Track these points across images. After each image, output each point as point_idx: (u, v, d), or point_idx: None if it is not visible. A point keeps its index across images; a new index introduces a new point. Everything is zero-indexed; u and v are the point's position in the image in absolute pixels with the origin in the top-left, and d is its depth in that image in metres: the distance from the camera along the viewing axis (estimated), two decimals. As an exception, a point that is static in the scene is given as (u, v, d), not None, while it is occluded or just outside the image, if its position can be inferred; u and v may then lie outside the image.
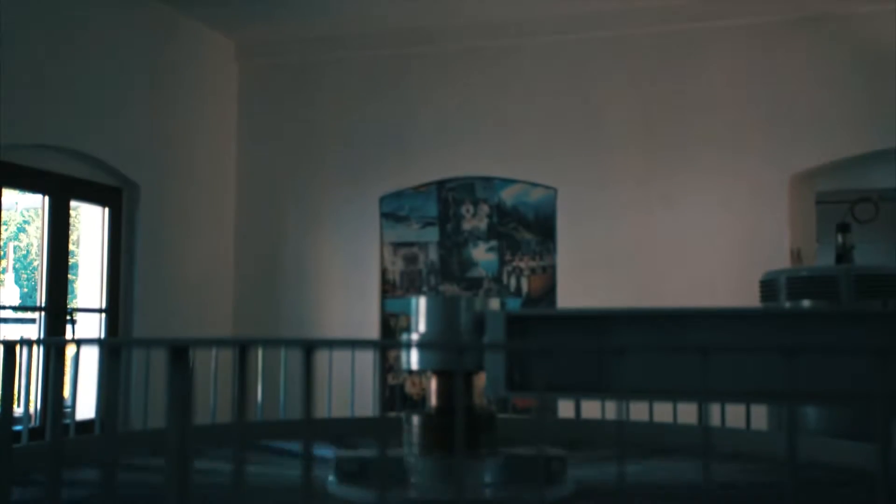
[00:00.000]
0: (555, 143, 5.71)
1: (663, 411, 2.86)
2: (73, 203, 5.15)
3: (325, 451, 2.20)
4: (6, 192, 4.65)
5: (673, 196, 5.45)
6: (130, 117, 5.35)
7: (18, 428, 2.95)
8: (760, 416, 3.43)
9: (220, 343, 0.82)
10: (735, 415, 2.97)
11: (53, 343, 0.85)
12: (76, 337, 4.93)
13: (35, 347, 2.90)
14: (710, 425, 0.82)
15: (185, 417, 0.80)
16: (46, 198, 4.94)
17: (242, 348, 0.80)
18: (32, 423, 4.32)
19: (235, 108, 6.37)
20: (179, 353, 0.81)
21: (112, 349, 0.86)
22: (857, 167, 5.41)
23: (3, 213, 4.68)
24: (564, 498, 1.67)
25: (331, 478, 1.73)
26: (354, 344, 0.83)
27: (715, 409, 2.87)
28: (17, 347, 0.89)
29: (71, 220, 5.16)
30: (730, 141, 5.40)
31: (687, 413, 2.92)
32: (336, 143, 6.17)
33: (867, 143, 5.17)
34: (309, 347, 0.80)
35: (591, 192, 5.62)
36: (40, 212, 4.99)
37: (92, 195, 5.28)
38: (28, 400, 3.05)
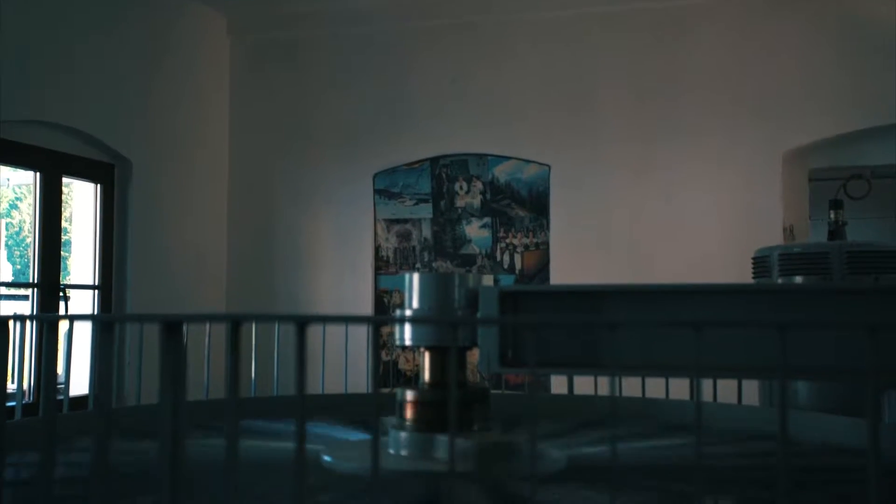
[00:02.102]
0: (548, 119, 5.70)
1: (656, 389, 2.87)
2: (65, 179, 5.13)
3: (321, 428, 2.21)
4: (-3, 168, 4.63)
5: (666, 173, 5.45)
6: (122, 93, 5.32)
7: (12, 404, 2.96)
8: (752, 392, 3.45)
9: (212, 318, 0.82)
10: (727, 392, 2.98)
11: (46, 319, 0.85)
12: (69, 313, 4.92)
13: (28, 323, 2.90)
14: (702, 401, 0.82)
15: (178, 393, 0.80)
16: (38, 174, 4.92)
17: (235, 323, 0.80)
18: (26, 399, 4.33)
19: (227, 83, 6.34)
20: (172, 329, 0.81)
21: (105, 324, 0.86)
22: (850, 144, 5.41)
23: (-6, 189, 4.66)
24: (556, 473, 1.68)
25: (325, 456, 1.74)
26: (348, 319, 0.83)
27: (707, 386, 2.89)
28: (10, 323, 0.89)
29: (63, 197, 5.14)
30: (723, 118, 5.39)
31: (679, 390, 2.93)
32: (329, 119, 6.14)
33: (860, 120, 5.17)
34: (302, 323, 0.80)
35: (584, 169, 5.62)
36: (32, 188, 4.97)
37: (84, 171, 5.26)
38: (21, 376, 3.05)
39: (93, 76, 5.07)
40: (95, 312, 5.20)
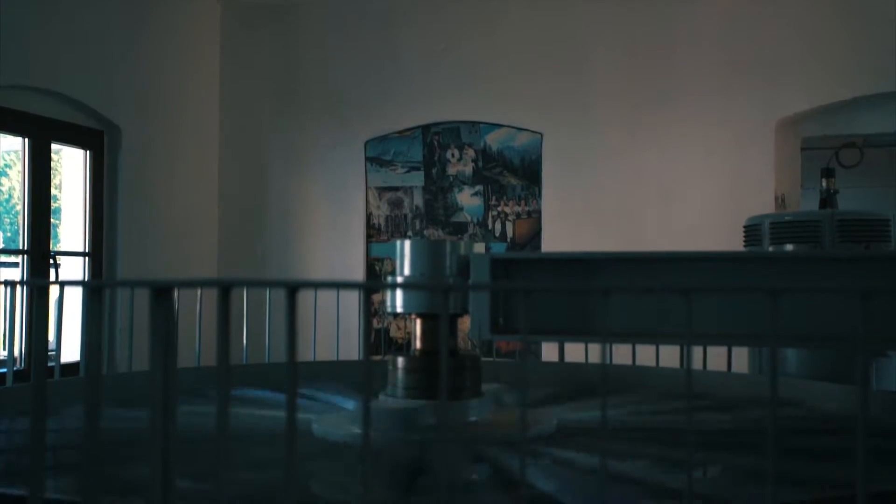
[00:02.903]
0: (541, 87, 5.66)
1: (646, 356, 2.88)
2: (54, 146, 5.09)
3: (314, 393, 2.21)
4: (-15, 134, 4.59)
5: (658, 141, 5.44)
6: (111, 58, 5.27)
7: (2, 371, 2.96)
8: (742, 361, 3.47)
9: (203, 283, 0.82)
10: (717, 360, 3.00)
11: (36, 284, 0.84)
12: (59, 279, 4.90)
13: (19, 290, 2.88)
14: (692, 368, 0.82)
15: (168, 358, 0.79)
16: (27, 140, 4.87)
17: (225, 289, 0.79)
18: (18, 366, 4.32)
19: (218, 49, 6.27)
20: (162, 294, 0.80)
21: (94, 290, 0.86)
22: (842, 112, 5.40)
23: (-18, 155, 4.62)
24: (546, 436, 1.69)
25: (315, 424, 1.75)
26: (339, 285, 0.82)
27: (697, 355, 2.90)
28: (0, 289, 0.88)
29: (53, 164, 5.10)
30: (715, 86, 5.37)
31: (669, 358, 2.94)
32: (320, 85, 6.10)
33: (853, 89, 5.15)
34: (293, 288, 0.80)
35: (577, 137, 5.60)
36: (21, 155, 4.93)
37: (73, 138, 5.22)
38: (12, 343, 3.04)
39: (81, 41, 5.02)
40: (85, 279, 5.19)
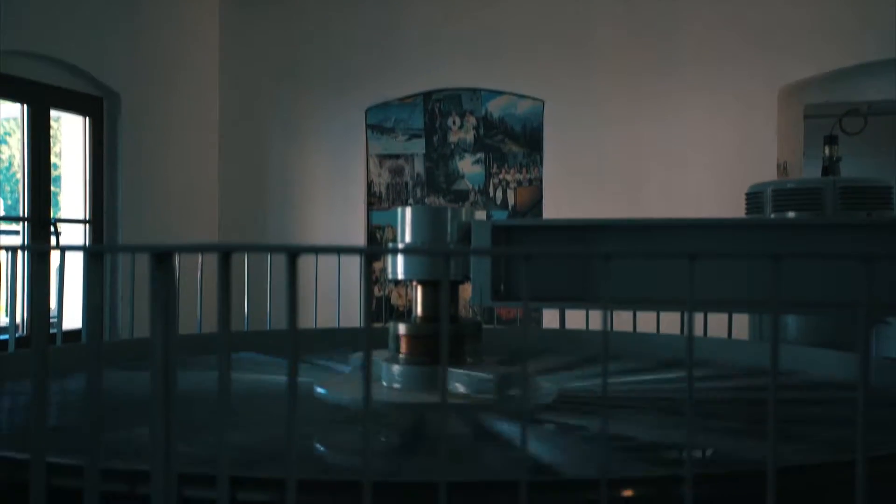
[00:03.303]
0: (542, 54, 5.62)
1: (647, 323, 2.89)
2: (53, 113, 5.07)
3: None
4: (-16, 100, 4.56)
5: (660, 108, 5.41)
6: (110, 24, 5.22)
7: (4, 337, 2.97)
8: (742, 328, 3.47)
9: (203, 248, 0.81)
10: (717, 328, 3.01)
11: (36, 249, 0.84)
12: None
13: (20, 256, 2.88)
14: (694, 335, 0.82)
15: (168, 323, 0.79)
16: (26, 107, 4.85)
17: (225, 254, 0.79)
18: (20, 333, 4.33)
19: (218, 16, 6.22)
20: (163, 259, 0.80)
21: (94, 255, 0.85)
22: (846, 80, 5.36)
23: (-18, 122, 4.60)
24: (546, 405, 1.70)
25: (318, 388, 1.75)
26: (340, 250, 0.82)
27: (698, 322, 2.91)
28: (0, 254, 0.88)
29: (53, 132, 5.08)
30: (719, 53, 5.33)
31: (670, 325, 2.95)
32: (321, 52, 6.06)
33: (857, 55, 5.11)
34: (293, 253, 0.79)
35: (578, 105, 5.57)
36: (20, 122, 4.91)
37: (72, 104, 5.19)
38: (14, 309, 3.05)
39: (80, 8, 4.97)
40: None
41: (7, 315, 3.24)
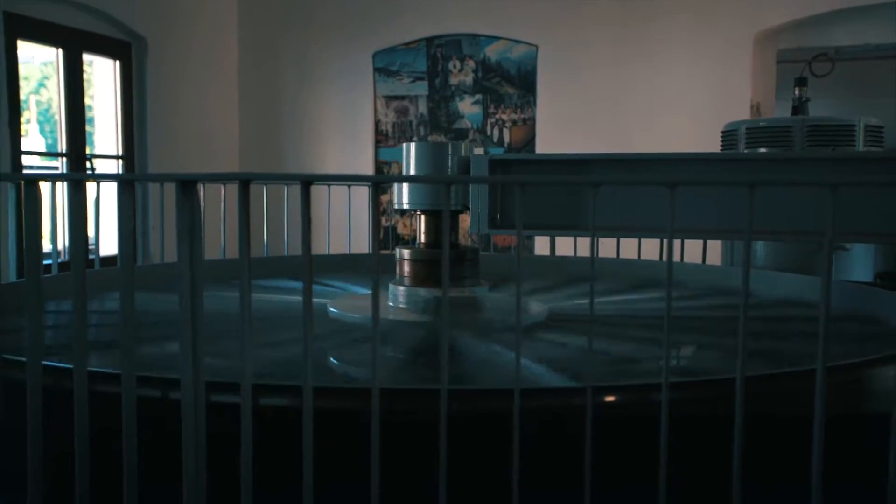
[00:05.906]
0: (536, 2, 5.52)
1: (629, 250, 2.89)
2: (86, 58, 5.00)
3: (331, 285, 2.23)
4: (21, 44, 4.49)
5: (646, 53, 5.33)
6: (135, -27, 5.12)
7: (48, 262, 2.97)
8: (715, 255, 3.48)
9: (224, 178, 0.81)
10: (691, 254, 3.00)
11: (73, 178, 0.84)
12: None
13: (59, 186, 2.87)
14: (673, 260, 0.82)
15: (193, 245, 0.79)
16: (60, 50, 4.78)
17: (245, 183, 0.78)
18: (61, 258, 4.35)
19: (235, -35, 6.09)
20: (187, 187, 0.80)
21: (126, 182, 0.85)
22: (818, 25, 5.27)
23: (21, 66, 4.54)
24: (537, 323, 1.70)
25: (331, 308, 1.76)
26: (350, 178, 0.82)
27: (675, 249, 2.90)
28: (40, 184, 0.87)
29: (86, 76, 5.02)
30: (700, 1, 5.23)
31: (649, 252, 2.95)
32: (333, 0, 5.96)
33: (829, 2, 5.02)
34: (307, 182, 0.79)
35: (569, 49, 5.49)
36: (56, 66, 4.85)
37: (103, 49, 5.12)
38: (55, 236, 3.05)
39: (107, -43, 4.87)
40: (120, 181, 5.17)
41: (50, 242, 3.25)
